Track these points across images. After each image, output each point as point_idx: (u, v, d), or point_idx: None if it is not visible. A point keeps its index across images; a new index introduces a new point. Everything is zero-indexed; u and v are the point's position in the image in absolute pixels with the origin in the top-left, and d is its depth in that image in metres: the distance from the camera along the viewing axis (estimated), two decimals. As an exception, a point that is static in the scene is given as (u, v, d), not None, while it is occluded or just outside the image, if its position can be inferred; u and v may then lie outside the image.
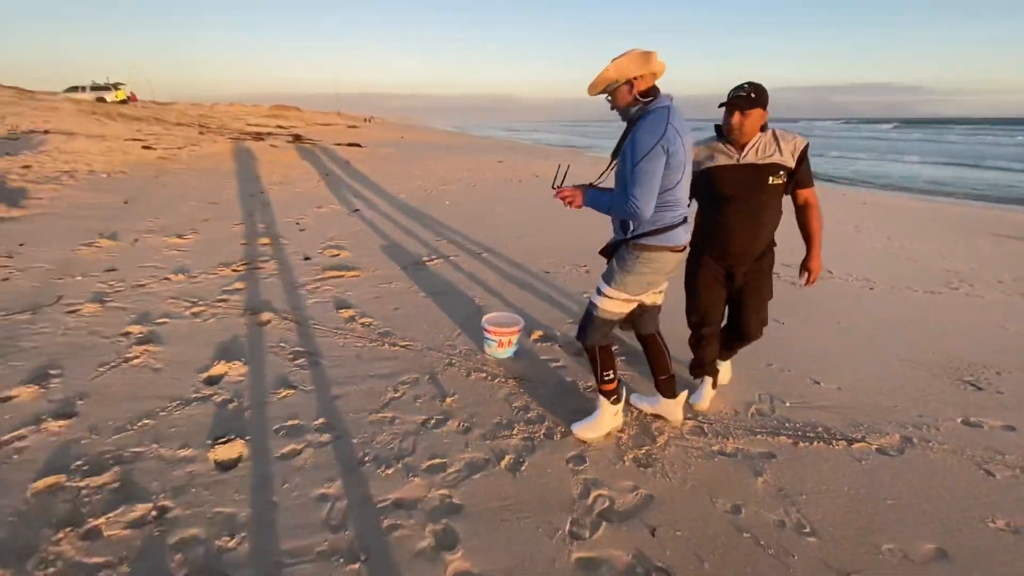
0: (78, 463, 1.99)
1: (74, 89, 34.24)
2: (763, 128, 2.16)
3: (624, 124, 1.98)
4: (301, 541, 1.71)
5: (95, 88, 35.93)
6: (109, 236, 5.02)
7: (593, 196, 1.99)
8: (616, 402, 2.30)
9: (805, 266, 2.37)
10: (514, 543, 1.75)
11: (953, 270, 5.47)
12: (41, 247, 4.58)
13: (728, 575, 1.68)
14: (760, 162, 2.15)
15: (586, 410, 2.45)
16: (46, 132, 11.83)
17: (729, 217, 2.23)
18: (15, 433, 2.14)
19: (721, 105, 2.13)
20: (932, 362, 3.28)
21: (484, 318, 3.01)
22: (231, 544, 1.68)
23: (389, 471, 2.05)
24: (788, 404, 2.70)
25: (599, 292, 2.13)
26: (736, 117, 2.08)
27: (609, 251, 2.15)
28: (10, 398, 2.38)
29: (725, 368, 2.76)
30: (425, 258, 4.90)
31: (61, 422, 2.22)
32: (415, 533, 1.77)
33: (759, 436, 2.41)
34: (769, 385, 2.88)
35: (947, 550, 1.82)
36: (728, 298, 2.42)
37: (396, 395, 2.58)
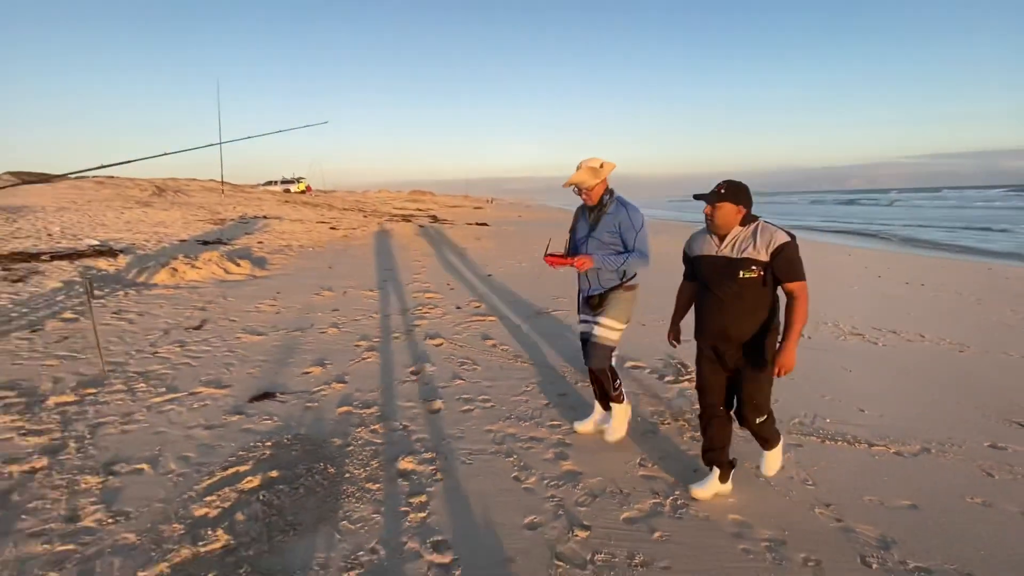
0: (355, 403, 3.53)
1: (270, 183, 43.43)
2: (746, 222, 2.30)
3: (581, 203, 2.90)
4: (477, 445, 2.99)
5: (284, 182, 45.26)
6: (327, 289, 7.20)
7: (603, 258, 2.77)
8: (623, 400, 3.06)
9: (774, 359, 2.27)
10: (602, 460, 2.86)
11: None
12: (289, 295, 6.81)
13: (756, 506, 2.60)
14: (734, 256, 2.27)
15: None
16: (265, 217, 15.94)
17: (708, 302, 2.40)
18: (318, 389, 3.78)
19: (696, 197, 2.36)
20: (988, 404, 3.74)
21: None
22: (437, 446, 3.03)
23: (526, 424, 3.29)
24: (828, 420, 3.46)
25: (603, 327, 2.85)
26: (707, 209, 2.30)
27: (598, 299, 2.90)
28: (310, 372, 4.09)
29: (769, 458, 2.67)
30: (545, 309, 6.28)
31: (340, 384, 3.84)
32: (542, 451, 2.96)
33: (793, 435, 3.23)
34: (816, 406, 3.65)
35: (918, 505, 2.54)
36: (729, 383, 2.49)
37: (527, 388, 3.86)
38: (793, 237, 2.25)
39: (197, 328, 5.12)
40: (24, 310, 5.43)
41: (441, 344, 4.88)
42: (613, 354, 2.96)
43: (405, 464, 2.78)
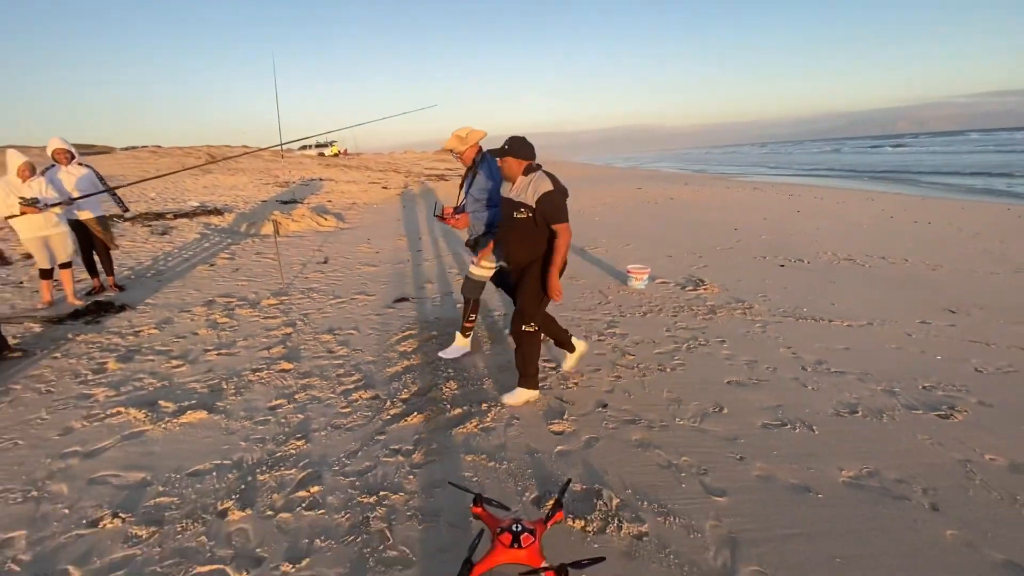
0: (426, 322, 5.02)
1: (304, 147, 44.94)
2: (528, 172, 2.74)
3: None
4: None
5: (318, 146, 46.77)
6: (403, 235, 8.70)
7: (474, 215, 3.37)
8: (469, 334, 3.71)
9: (545, 286, 2.78)
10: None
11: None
12: (377, 241, 8.33)
13: (739, 343, 3.99)
14: (514, 199, 2.76)
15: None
16: (321, 179, 17.48)
17: (501, 232, 2.97)
18: (435, 296, 5.27)
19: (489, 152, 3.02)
20: (934, 300, 5.00)
21: (628, 266, 5.60)
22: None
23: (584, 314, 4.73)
24: (805, 310, 4.78)
25: (476, 266, 3.42)
26: (498, 161, 2.86)
27: (473, 243, 3.45)
28: (424, 287, 5.59)
29: (517, 393, 2.99)
30: (586, 247, 7.64)
31: (448, 295, 5.33)
32: (597, 379, 4.39)
33: (776, 317, 4.58)
34: (798, 303, 4.97)
35: (852, 347, 3.89)
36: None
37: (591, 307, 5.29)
38: (557, 187, 2.71)
39: (324, 263, 6.70)
40: (188, 254, 7.11)
41: (512, 270, 6.34)
42: (480, 288, 3.56)
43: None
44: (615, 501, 2.15)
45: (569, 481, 1.98)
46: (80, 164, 5.05)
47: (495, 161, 3.14)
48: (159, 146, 28.73)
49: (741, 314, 4.60)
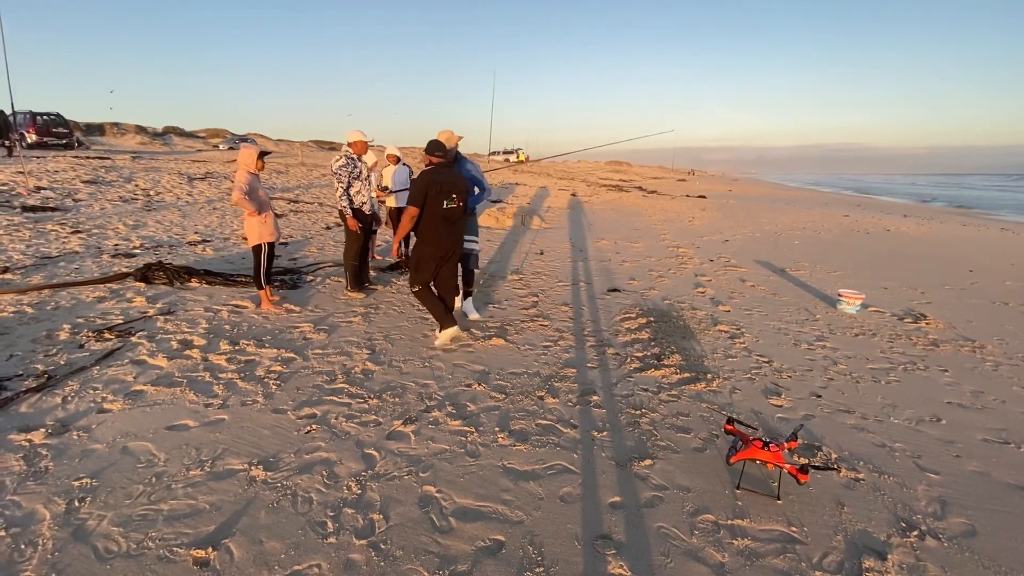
0: (665, 298, 5.76)
1: (493, 152, 49.56)
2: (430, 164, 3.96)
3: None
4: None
5: (505, 152, 51.23)
6: (603, 239, 9.71)
7: (472, 200, 4.31)
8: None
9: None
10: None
11: None
12: (578, 240, 9.47)
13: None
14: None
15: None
16: (516, 184, 19.64)
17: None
18: (644, 291, 6.10)
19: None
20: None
21: (840, 289, 5.73)
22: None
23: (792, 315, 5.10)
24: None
25: (470, 241, 4.47)
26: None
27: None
28: (631, 283, 6.47)
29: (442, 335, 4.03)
30: (787, 268, 7.71)
31: (653, 291, 6.11)
32: (810, 377, 4.74)
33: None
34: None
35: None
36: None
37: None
38: (417, 179, 3.76)
39: (541, 254, 8.03)
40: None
41: (708, 279, 6.85)
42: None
43: (709, 320, 4.89)
44: (834, 455, 2.73)
45: (802, 425, 2.64)
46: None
47: (467, 159, 4.40)
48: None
49: (969, 352, 4.52)
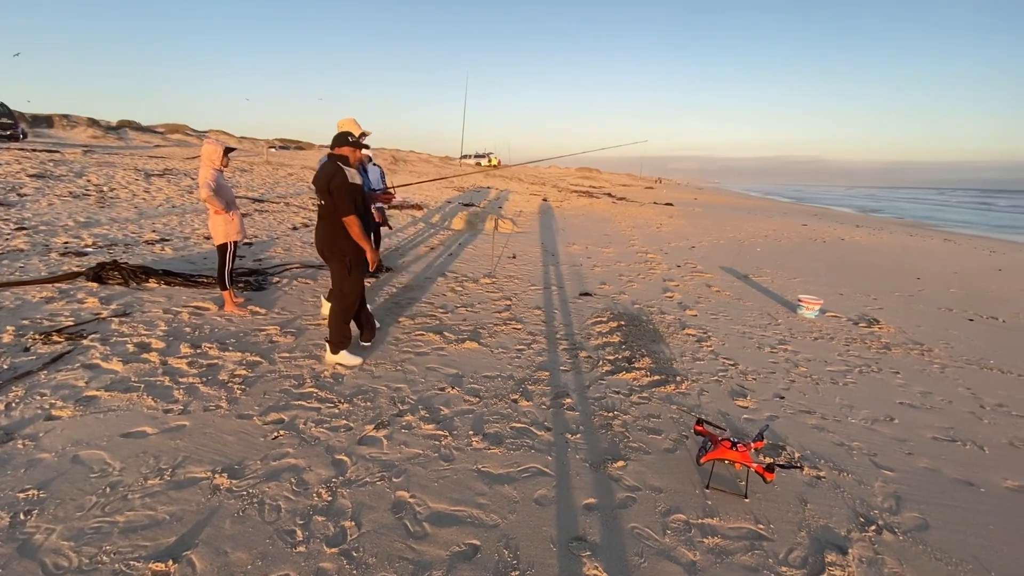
0: (635, 303, 5.86)
1: (466, 156, 49.52)
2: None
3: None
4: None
5: (477, 156, 51.20)
6: (574, 243, 9.81)
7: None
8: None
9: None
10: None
11: None
12: (550, 244, 9.55)
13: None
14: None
15: (853, 333, 5.17)
16: (489, 188, 19.64)
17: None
18: (615, 295, 6.20)
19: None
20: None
21: (800, 295, 5.96)
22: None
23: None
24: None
25: None
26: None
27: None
28: (602, 287, 6.55)
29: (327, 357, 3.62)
30: (750, 274, 7.98)
31: (624, 296, 6.21)
32: (773, 379, 4.92)
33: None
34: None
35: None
36: None
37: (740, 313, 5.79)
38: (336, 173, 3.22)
39: (513, 258, 8.04)
40: (401, 237, 8.97)
41: (676, 284, 7.02)
42: None
43: (677, 324, 5.01)
44: (797, 454, 2.83)
45: (767, 425, 2.73)
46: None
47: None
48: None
49: (918, 355, 4.78)
